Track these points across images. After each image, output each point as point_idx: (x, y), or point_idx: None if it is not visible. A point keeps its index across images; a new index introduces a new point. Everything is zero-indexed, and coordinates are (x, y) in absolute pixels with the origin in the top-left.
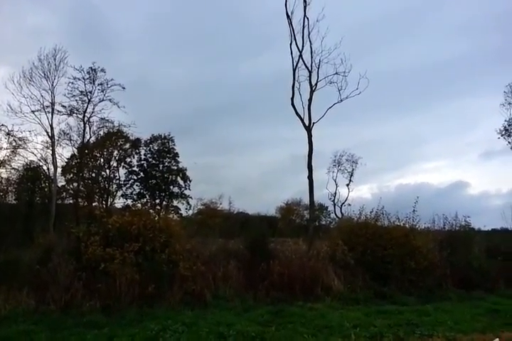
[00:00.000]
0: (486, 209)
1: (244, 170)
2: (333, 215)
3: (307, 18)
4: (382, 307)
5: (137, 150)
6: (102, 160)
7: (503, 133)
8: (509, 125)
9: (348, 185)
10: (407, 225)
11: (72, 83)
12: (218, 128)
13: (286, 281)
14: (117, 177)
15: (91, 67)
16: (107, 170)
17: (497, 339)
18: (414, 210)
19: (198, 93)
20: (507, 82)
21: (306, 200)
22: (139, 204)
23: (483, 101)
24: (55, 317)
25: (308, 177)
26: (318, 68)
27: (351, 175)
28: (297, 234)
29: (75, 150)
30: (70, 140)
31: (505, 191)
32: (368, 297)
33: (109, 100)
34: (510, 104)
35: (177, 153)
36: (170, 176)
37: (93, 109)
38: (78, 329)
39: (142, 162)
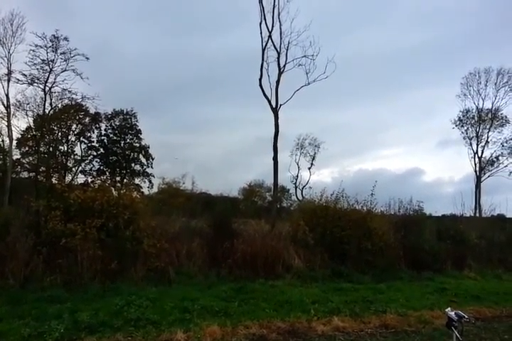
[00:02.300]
0: (438, 195)
1: (209, 150)
2: (294, 197)
3: None
4: (339, 285)
5: (97, 125)
6: (59, 133)
7: (457, 123)
8: (463, 116)
9: (309, 168)
10: (364, 208)
11: (33, 51)
12: (184, 105)
13: (248, 259)
14: (76, 152)
15: (54, 35)
16: (65, 145)
17: (449, 308)
18: (372, 194)
19: (165, 68)
20: (464, 74)
21: (269, 182)
22: (99, 181)
23: (443, 91)
24: (14, 292)
25: (273, 159)
26: (287, 50)
27: (313, 159)
28: (259, 216)
29: (32, 123)
30: (27, 111)
31: (458, 179)
32: (326, 275)
33: (72, 70)
34: (465, 95)
35: (140, 130)
36: (132, 153)
37: (55, 79)
38: (39, 304)
39: (102, 137)
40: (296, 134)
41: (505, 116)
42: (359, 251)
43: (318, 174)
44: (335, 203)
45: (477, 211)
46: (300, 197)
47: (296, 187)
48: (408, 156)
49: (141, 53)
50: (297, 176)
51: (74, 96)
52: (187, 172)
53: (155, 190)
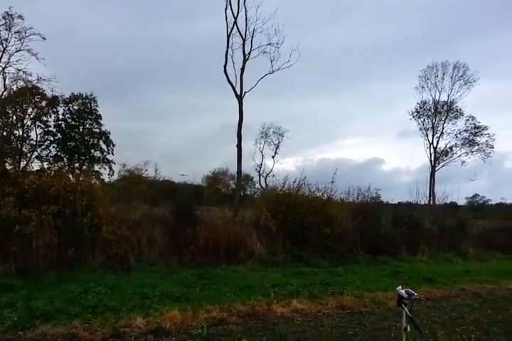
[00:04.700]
0: (396, 184)
1: (173, 138)
2: (258, 185)
3: None
4: (299, 269)
5: (55, 109)
6: (14, 117)
7: (415, 115)
8: (420, 107)
9: (273, 156)
10: (325, 195)
11: None
12: (147, 91)
13: (211, 246)
14: (31, 137)
15: (7, 12)
16: (20, 129)
17: (400, 286)
18: (332, 181)
19: (129, 53)
20: (423, 67)
21: (233, 170)
22: (57, 167)
23: (404, 83)
24: None
25: (237, 146)
26: (252, 37)
27: (277, 148)
28: (222, 203)
29: None
30: None
31: (414, 169)
32: (287, 260)
33: (28, 50)
34: (423, 87)
35: (100, 115)
36: (91, 139)
37: (9, 59)
38: None
39: (60, 122)
40: (261, 123)
41: (460, 109)
42: (319, 237)
43: (282, 163)
44: (297, 190)
45: (431, 199)
46: (264, 185)
47: (260, 175)
48: (369, 146)
49: (105, 37)
50: (261, 164)
51: (29, 77)
52: (150, 159)
53: (116, 177)
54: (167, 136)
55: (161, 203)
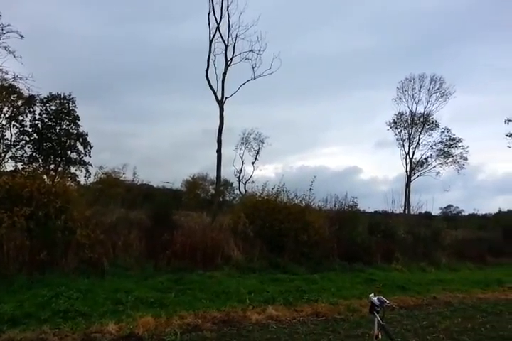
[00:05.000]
0: (373, 193)
1: (154, 141)
2: (237, 191)
3: None
4: (276, 275)
5: (31, 109)
6: None
7: (392, 125)
8: (398, 118)
9: (253, 163)
10: (303, 202)
11: None
12: (128, 93)
13: (188, 251)
14: (6, 137)
15: None
16: None
17: (372, 294)
18: (310, 189)
19: (111, 55)
20: (401, 78)
21: (213, 175)
22: (31, 168)
23: (384, 94)
24: None
25: (217, 151)
26: (235, 43)
27: (257, 154)
28: (201, 208)
29: None
30: None
31: (391, 178)
32: (264, 266)
33: (4, 48)
34: (400, 99)
35: (78, 116)
36: (68, 140)
37: None
38: None
39: (36, 122)
40: (242, 129)
41: (436, 121)
42: (296, 244)
43: (262, 169)
44: (275, 197)
45: (406, 208)
46: (243, 191)
47: (239, 181)
48: (348, 155)
49: (87, 38)
50: (241, 170)
51: (6, 76)
52: (128, 162)
53: (92, 179)
54: (148, 139)
55: (139, 207)
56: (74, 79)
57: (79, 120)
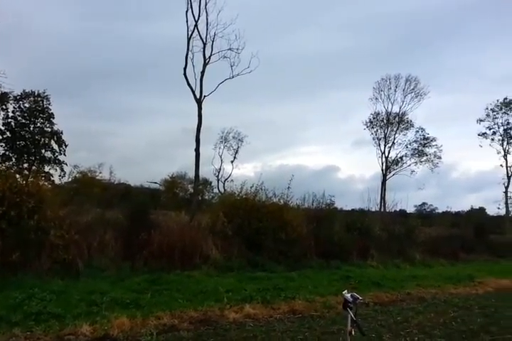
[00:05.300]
0: (351, 191)
1: (132, 140)
2: (216, 190)
3: None
4: (254, 274)
5: (4, 106)
6: None
7: (368, 125)
8: (374, 118)
9: (232, 161)
10: (281, 201)
11: None
12: (106, 91)
13: (165, 251)
14: None
15: None
16: None
17: (346, 290)
18: (288, 187)
19: (85, 51)
20: (378, 79)
21: (192, 174)
22: (3, 167)
23: (360, 93)
24: None
25: (195, 150)
26: (213, 41)
27: (236, 153)
28: (180, 208)
29: None
30: None
31: (368, 177)
32: (242, 265)
33: None
34: (376, 99)
35: (52, 114)
36: (42, 139)
37: None
38: None
39: (9, 120)
40: (221, 127)
41: (410, 120)
42: (274, 242)
43: (241, 168)
44: (254, 196)
45: (382, 206)
46: (222, 190)
47: (218, 180)
48: (326, 154)
49: (63, 35)
50: (220, 169)
51: None
52: (105, 161)
53: (67, 179)
54: (125, 137)
55: (116, 207)
56: (49, 77)
57: (53, 118)
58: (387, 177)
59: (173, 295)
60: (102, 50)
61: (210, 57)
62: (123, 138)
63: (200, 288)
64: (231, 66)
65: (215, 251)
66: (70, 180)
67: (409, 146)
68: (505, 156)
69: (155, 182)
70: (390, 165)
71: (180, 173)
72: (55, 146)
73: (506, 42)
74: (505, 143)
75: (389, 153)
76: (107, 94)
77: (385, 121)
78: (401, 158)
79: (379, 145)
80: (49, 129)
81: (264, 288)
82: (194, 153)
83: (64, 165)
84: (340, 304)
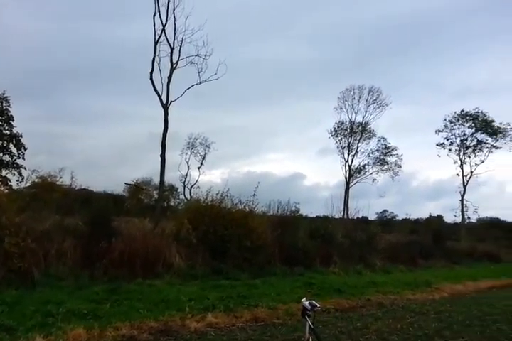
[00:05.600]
0: (316, 198)
1: (96, 144)
2: (182, 197)
3: None
4: (218, 282)
5: None
6: None
7: (333, 133)
8: (338, 127)
9: (199, 168)
10: (247, 208)
11: None
12: (69, 94)
13: (127, 259)
14: None
15: None
16: None
17: (304, 298)
18: (254, 194)
19: (49, 53)
20: (343, 89)
21: (158, 180)
22: None
23: (327, 102)
24: None
25: (160, 156)
26: (181, 46)
27: (203, 159)
28: (145, 214)
29: None
30: None
31: (332, 184)
32: (206, 273)
33: None
34: (341, 108)
35: (11, 116)
36: (0, 142)
37: None
38: None
39: None
40: (188, 133)
41: (373, 130)
42: (239, 249)
43: (208, 174)
44: (220, 202)
45: (345, 213)
46: (188, 197)
47: (184, 187)
48: (293, 161)
49: (26, 36)
50: (186, 175)
51: None
52: (67, 165)
53: (26, 183)
54: (90, 141)
55: (76, 213)
56: (10, 78)
57: (13, 120)
58: (351, 184)
59: (133, 305)
60: (68, 52)
61: (177, 62)
62: (87, 141)
63: (161, 297)
64: (198, 72)
65: (178, 259)
66: (28, 185)
67: (371, 155)
68: (461, 166)
69: (134, 185)
70: (353, 173)
71: (145, 179)
72: (14, 150)
73: (462, 56)
74: (461, 153)
75: (352, 161)
76: (73, 97)
77: (348, 130)
78: (363, 166)
79: (343, 153)
80: (8, 132)
81: (227, 296)
82: (160, 159)
83: (22, 170)
84: (300, 311)
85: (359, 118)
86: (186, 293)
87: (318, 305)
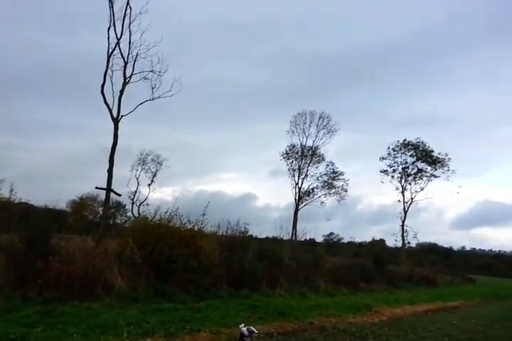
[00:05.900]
0: (266, 219)
1: (41, 156)
2: (130, 214)
3: (130, 7)
4: (161, 305)
5: None
6: None
7: (284, 156)
8: (289, 150)
9: (149, 185)
10: (196, 227)
11: None
12: (15, 103)
13: (64, 279)
14: None
15: None
16: None
17: (242, 324)
18: (203, 214)
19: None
20: (295, 113)
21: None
22: None
23: (280, 125)
24: None
25: (107, 171)
26: (135, 61)
27: (154, 176)
28: (88, 232)
29: None
30: None
31: (283, 205)
32: (149, 295)
33: None
34: (293, 132)
35: None
36: None
37: None
38: None
39: None
40: (140, 149)
41: (322, 154)
42: (185, 270)
43: (159, 191)
44: (168, 221)
45: (293, 235)
46: (136, 214)
47: (133, 204)
48: (245, 182)
49: None
50: (135, 192)
51: None
52: (6, 177)
53: None
54: (34, 153)
55: (13, 229)
56: None
57: None
58: (300, 207)
59: (67, 330)
60: (19, 61)
61: (130, 77)
62: (31, 153)
63: (98, 321)
64: (152, 88)
65: (120, 281)
66: None
67: (320, 179)
68: (402, 192)
69: (107, 189)
70: (302, 196)
71: (91, 195)
72: None
73: (407, 88)
74: (403, 180)
75: (302, 184)
76: (18, 106)
77: (299, 153)
78: (312, 189)
79: (293, 175)
80: None
81: (169, 321)
82: (107, 174)
83: None
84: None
85: (310, 143)
86: (126, 317)
87: (255, 331)
